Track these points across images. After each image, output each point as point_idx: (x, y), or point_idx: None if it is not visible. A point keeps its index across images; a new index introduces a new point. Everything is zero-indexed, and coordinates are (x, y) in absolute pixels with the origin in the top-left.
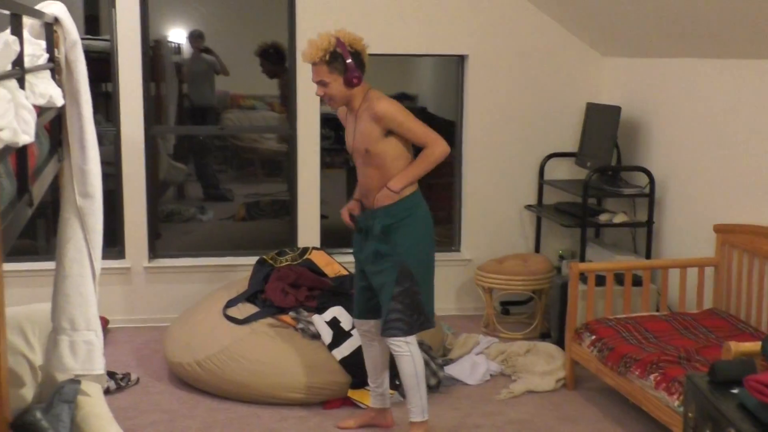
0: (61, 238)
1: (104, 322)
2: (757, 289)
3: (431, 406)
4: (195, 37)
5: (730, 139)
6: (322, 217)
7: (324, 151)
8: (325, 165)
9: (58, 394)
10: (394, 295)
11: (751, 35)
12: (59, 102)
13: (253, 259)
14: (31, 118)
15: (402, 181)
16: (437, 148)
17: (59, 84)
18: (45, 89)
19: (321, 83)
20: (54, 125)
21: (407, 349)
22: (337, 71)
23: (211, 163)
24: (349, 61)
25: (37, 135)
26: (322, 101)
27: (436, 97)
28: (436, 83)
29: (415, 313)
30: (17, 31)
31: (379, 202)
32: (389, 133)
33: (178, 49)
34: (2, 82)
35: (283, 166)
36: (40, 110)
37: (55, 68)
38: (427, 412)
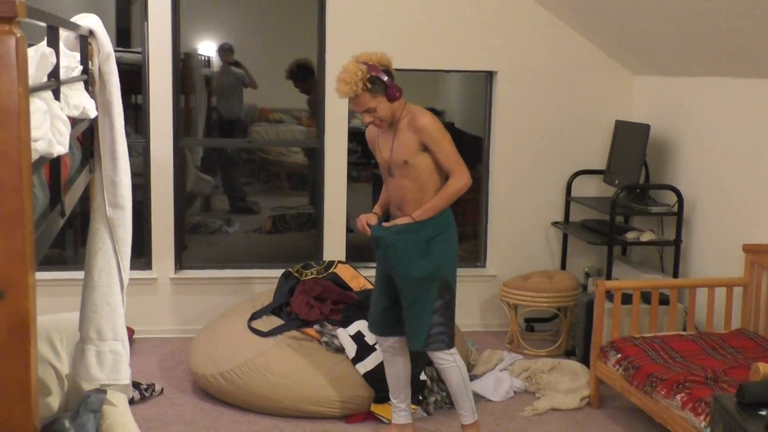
0: (91, 248)
1: (130, 332)
2: None
3: (454, 422)
4: (224, 50)
5: (760, 158)
6: (348, 230)
7: (350, 165)
8: (351, 179)
9: (85, 404)
10: (436, 309)
11: None
12: (92, 113)
13: (278, 272)
14: (65, 130)
15: (427, 214)
16: (461, 180)
17: (92, 96)
18: (79, 101)
19: (367, 111)
20: (86, 136)
21: (452, 360)
22: (379, 93)
23: (238, 176)
24: (386, 78)
25: (70, 146)
26: (351, 115)
27: (464, 113)
28: (464, 99)
29: (453, 325)
30: (53, 43)
31: (399, 222)
32: (425, 148)
33: (207, 62)
34: (38, 94)
35: (310, 179)
36: (74, 121)
37: (89, 80)
38: (476, 411)
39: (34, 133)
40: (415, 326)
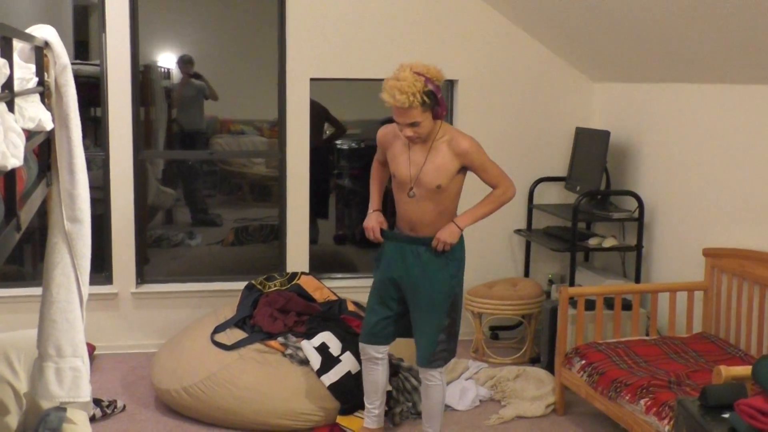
0: (49, 263)
1: (91, 348)
2: (746, 313)
3: None
4: (184, 63)
5: (719, 163)
6: (311, 242)
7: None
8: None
9: (44, 422)
10: (444, 327)
11: (739, 61)
12: (48, 126)
13: (241, 284)
14: (20, 142)
15: (470, 220)
16: (509, 190)
17: (49, 108)
18: (34, 113)
19: (414, 125)
20: (43, 149)
21: (440, 380)
22: (428, 109)
23: (200, 188)
24: (440, 95)
25: (26, 159)
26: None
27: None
28: None
29: (455, 343)
30: (7, 54)
31: (446, 238)
32: (461, 170)
33: (167, 74)
34: None
35: (272, 190)
36: (29, 134)
37: (45, 92)
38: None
39: None
40: (424, 343)
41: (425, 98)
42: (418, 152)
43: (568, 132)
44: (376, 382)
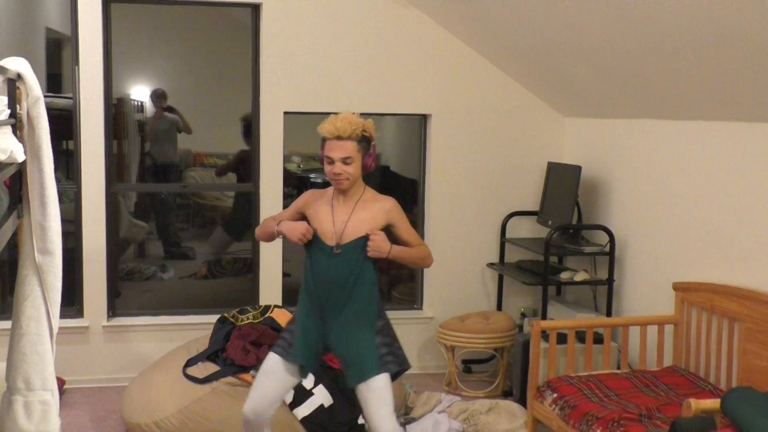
0: (19, 295)
1: (60, 382)
2: (715, 346)
3: None
4: (157, 96)
5: (689, 198)
6: (284, 275)
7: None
8: None
9: None
10: (378, 330)
11: (709, 98)
12: (20, 158)
13: (214, 318)
14: None
15: (399, 251)
16: (430, 256)
17: (20, 140)
18: (6, 144)
19: (346, 160)
20: (14, 181)
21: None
22: (361, 152)
23: (173, 221)
24: (373, 143)
25: None
26: (286, 159)
27: (399, 157)
28: (399, 142)
29: (399, 346)
30: None
31: (379, 242)
32: (384, 228)
33: (140, 107)
34: None
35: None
36: (1, 165)
37: (17, 124)
38: None
39: None
40: (364, 356)
41: (361, 136)
42: (342, 210)
43: (540, 166)
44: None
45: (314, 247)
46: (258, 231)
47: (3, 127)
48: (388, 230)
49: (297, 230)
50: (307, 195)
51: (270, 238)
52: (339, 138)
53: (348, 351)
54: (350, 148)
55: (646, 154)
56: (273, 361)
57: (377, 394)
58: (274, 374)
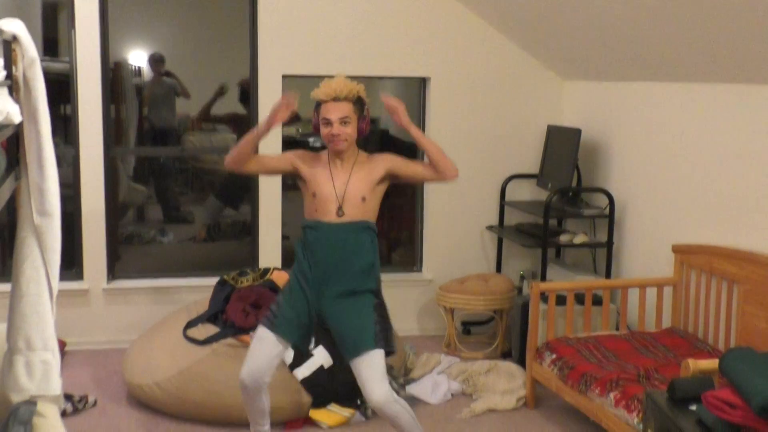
0: (18, 257)
1: (61, 344)
2: (714, 308)
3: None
4: (155, 61)
5: (688, 160)
6: (284, 237)
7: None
8: (286, 187)
9: (14, 416)
10: (374, 306)
11: (707, 59)
12: (17, 119)
13: (213, 280)
14: None
15: (417, 130)
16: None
17: (17, 102)
18: (2, 106)
19: (344, 120)
20: (11, 143)
21: (400, 405)
22: (356, 115)
23: (172, 186)
24: (367, 107)
25: None
26: (284, 124)
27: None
28: None
29: (392, 330)
30: None
31: (399, 104)
32: (384, 180)
33: (138, 72)
34: None
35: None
36: None
37: (13, 86)
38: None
39: None
40: (358, 328)
41: (357, 98)
42: (341, 173)
43: (539, 130)
44: (265, 403)
45: (317, 209)
46: (230, 155)
47: None
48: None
49: (277, 104)
50: (301, 151)
51: (246, 151)
52: (336, 99)
53: (344, 325)
54: (347, 108)
55: (645, 116)
56: (263, 329)
57: (371, 365)
58: (266, 341)
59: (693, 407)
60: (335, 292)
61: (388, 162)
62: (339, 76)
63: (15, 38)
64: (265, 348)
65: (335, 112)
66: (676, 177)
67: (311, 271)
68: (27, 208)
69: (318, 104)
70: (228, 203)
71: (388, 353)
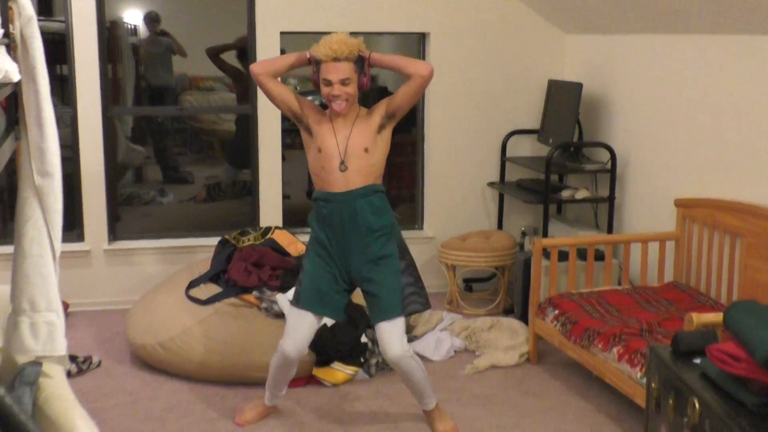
0: (20, 218)
1: (64, 305)
2: (716, 262)
3: (396, 383)
4: (151, 20)
5: (690, 114)
6: (284, 197)
7: (285, 132)
8: (286, 146)
9: (19, 376)
10: (402, 270)
11: (711, 10)
12: (15, 77)
13: (214, 240)
14: None
15: (376, 55)
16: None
17: (15, 60)
18: (1, 64)
19: (345, 81)
20: (10, 103)
21: (412, 358)
22: (357, 73)
23: (171, 146)
24: (367, 62)
25: None
26: (283, 80)
27: (397, 76)
28: None
29: (423, 287)
30: None
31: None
32: (384, 124)
33: (134, 31)
34: None
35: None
36: None
37: (11, 44)
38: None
39: None
40: (388, 292)
41: (357, 57)
42: (342, 128)
43: (540, 84)
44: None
45: (324, 158)
46: (261, 63)
47: None
48: (391, 139)
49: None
50: (309, 101)
51: (279, 68)
52: (336, 60)
53: (372, 293)
54: (347, 69)
55: (647, 69)
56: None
57: (394, 325)
58: (303, 315)
59: (697, 361)
60: (360, 261)
61: (381, 106)
62: (338, 34)
63: None
64: (305, 320)
65: (336, 73)
66: (679, 131)
67: (331, 244)
68: (27, 168)
69: (318, 61)
70: (242, 166)
71: (424, 309)
